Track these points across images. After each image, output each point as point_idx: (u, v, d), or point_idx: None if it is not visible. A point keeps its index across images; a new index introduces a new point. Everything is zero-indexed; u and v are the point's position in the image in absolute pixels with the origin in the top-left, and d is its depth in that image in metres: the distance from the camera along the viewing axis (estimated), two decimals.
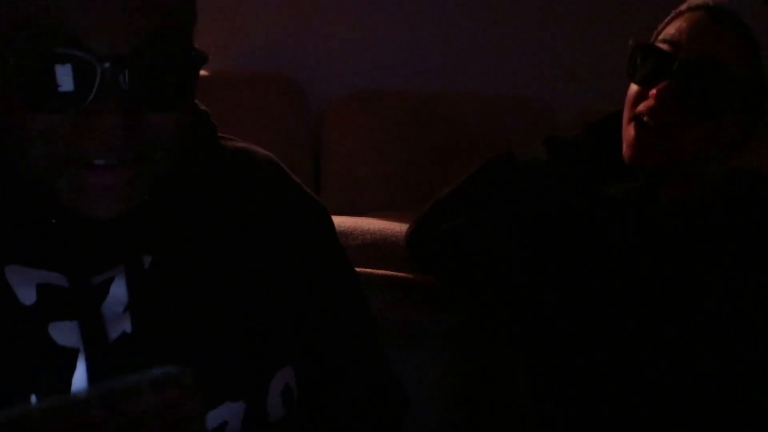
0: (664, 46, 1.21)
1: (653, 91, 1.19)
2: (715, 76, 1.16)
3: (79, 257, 0.83)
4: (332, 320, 0.96)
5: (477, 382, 1.95)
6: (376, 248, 1.95)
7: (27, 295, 0.81)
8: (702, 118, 1.18)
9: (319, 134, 2.87)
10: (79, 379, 0.80)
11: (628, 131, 1.22)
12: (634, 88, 1.24)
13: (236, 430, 0.85)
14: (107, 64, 0.72)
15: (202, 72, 0.82)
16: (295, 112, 2.84)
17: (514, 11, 3.06)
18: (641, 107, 1.21)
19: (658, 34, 1.26)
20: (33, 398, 0.79)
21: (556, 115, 2.94)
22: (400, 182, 2.78)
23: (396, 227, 2.03)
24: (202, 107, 0.90)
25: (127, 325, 0.83)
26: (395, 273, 1.92)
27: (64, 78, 0.72)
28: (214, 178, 0.91)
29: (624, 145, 1.23)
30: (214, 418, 0.83)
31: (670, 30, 1.22)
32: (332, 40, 3.03)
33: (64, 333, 0.81)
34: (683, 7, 1.25)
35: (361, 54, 3.04)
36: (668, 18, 1.25)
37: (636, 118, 1.21)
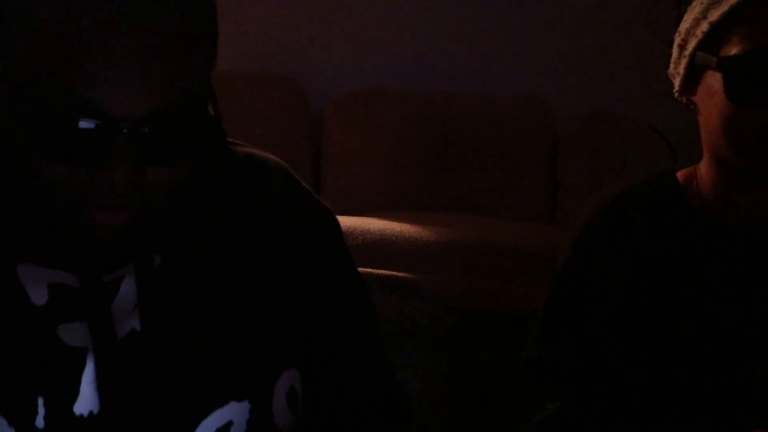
0: None
1: None
2: None
3: (91, 256, 0.84)
4: (338, 326, 0.97)
5: (476, 382, 1.95)
6: (376, 248, 1.96)
7: (39, 295, 0.83)
8: None
9: (319, 134, 2.87)
10: (88, 378, 0.81)
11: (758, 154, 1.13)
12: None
13: (242, 429, 0.85)
14: (125, 130, 0.75)
15: None
16: (295, 112, 2.84)
17: (515, 11, 3.07)
18: None
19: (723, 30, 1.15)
20: (40, 400, 0.80)
21: (556, 115, 2.95)
22: (400, 182, 2.78)
23: (396, 227, 2.03)
24: (214, 114, 0.91)
25: (135, 323, 0.84)
26: (395, 273, 1.92)
27: (84, 140, 0.75)
28: (224, 182, 0.93)
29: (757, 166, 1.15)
30: (220, 417, 0.84)
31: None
32: (332, 40, 3.03)
33: (74, 333, 0.82)
34: None
35: (361, 54, 3.04)
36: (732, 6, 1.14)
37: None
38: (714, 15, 1.15)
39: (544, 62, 3.06)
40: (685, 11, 1.22)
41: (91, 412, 0.81)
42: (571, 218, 2.70)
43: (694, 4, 1.20)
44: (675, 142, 2.69)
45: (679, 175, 1.27)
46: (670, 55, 1.26)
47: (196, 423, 0.83)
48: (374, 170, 2.78)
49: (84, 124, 0.74)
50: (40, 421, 0.79)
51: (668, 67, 1.26)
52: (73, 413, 0.80)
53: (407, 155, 2.80)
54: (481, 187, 2.82)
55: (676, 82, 1.23)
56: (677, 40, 1.22)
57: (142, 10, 0.74)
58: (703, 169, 1.24)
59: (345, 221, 1.81)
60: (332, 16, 3.03)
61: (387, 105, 2.85)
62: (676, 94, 1.24)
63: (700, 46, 1.17)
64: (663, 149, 2.76)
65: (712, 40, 1.16)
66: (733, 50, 1.13)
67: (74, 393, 0.81)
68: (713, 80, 1.16)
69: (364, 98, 2.85)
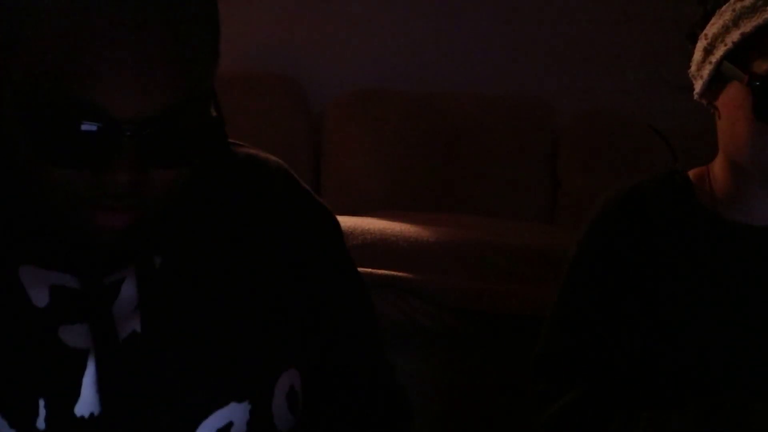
0: None
1: None
2: None
3: (92, 258, 0.85)
4: (337, 327, 0.98)
5: (476, 382, 1.95)
6: (376, 248, 1.96)
7: (40, 297, 0.83)
8: None
9: (319, 134, 2.87)
10: (89, 379, 0.82)
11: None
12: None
13: (242, 430, 0.86)
14: (128, 132, 0.75)
15: None
16: (295, 112, 2.84)
17: (515, 11, 3.07)
18: None
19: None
20: (41, 402, 0.80)
21: (556, 115, 2.95)
22: (400, 182, 2.78)
23: (396, 227, 2.03)
24: (215, 114, 0.91)
25: (136, 324, 0.84)
26: (395, 273, 1.92)
27: (87, 142, 0.75)
28: (224, 183, 0.93)
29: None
30: (220, 417, 0.85)
31: None
32: (332, 40, 3.03)
33: (75, 335, 0.83)
34: None
35: (360, 53, 3.04)
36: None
37: None
38: (747, 26, 1.12)
39: (544, 62, 3.06)
40: (711, 10, 1.19)
41: (92, 414, 0.81)
42: (572, 218, 2.70)
43: (725, 8, 1.17)
44: (675, 142, 2.68)
45: (691, 173, 1.28)
46: (685, 50, 1.23)
47: (197, 424, 0.84)
48: (374, 170, 2.78)
49: (87, 126, 0.74)
50: (41, 423, 0.79)
51: (672, 62, 1.25)
52: (74, 415, 0.80)
53: (407, 155, 2.80)
54: (481, 186, 2.83)
55: (698, 85, 1.21)
56: (703, 43, 1.19)
57: (145, 13, 0.74)
58: (717, 169, 1.25)
59: (345, 221, 1.81)
60: (332, 16, 3.03)
61: (387, 105, 2.85)
62: (696, 96, 1.23)
63: (728, 56, 1.14)
64: (663, 149, 2.76)
65: (741, 51, 1.13)
66: (765, 66, 1.11)
67: (75, 394, 0.81)
68: (740, 93, 1.14)
69: (364, 98, 2.85)
